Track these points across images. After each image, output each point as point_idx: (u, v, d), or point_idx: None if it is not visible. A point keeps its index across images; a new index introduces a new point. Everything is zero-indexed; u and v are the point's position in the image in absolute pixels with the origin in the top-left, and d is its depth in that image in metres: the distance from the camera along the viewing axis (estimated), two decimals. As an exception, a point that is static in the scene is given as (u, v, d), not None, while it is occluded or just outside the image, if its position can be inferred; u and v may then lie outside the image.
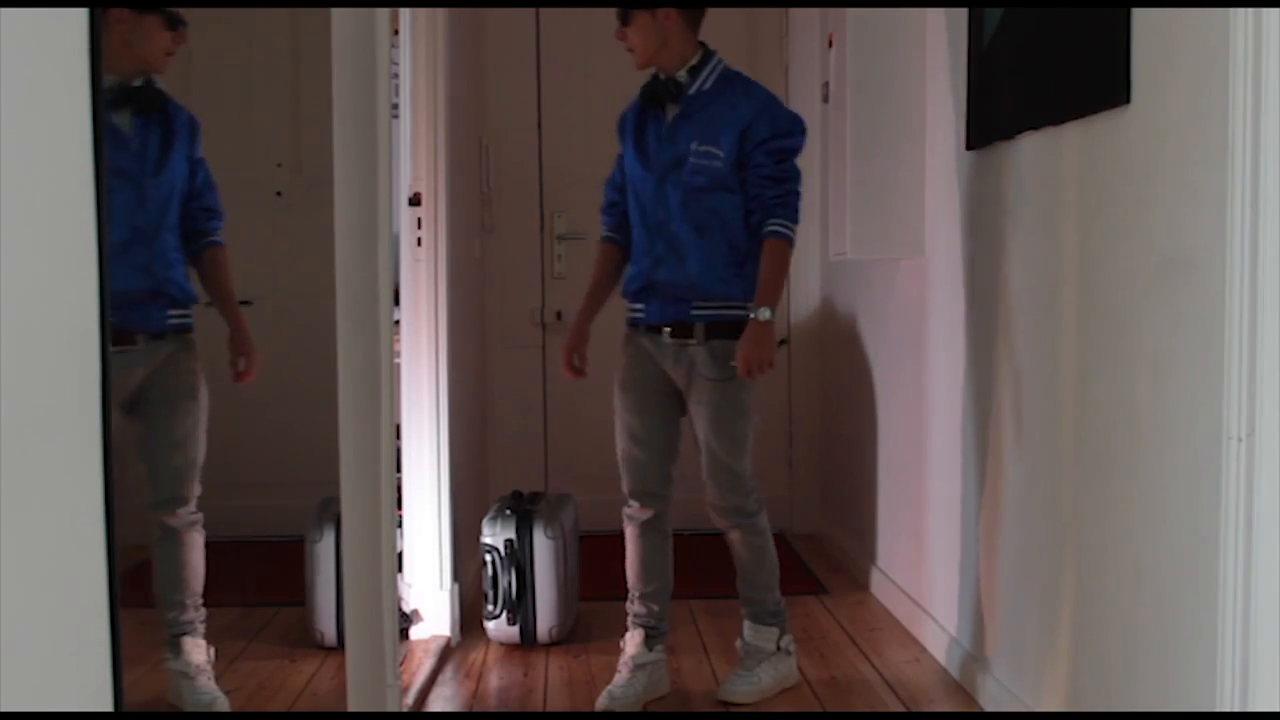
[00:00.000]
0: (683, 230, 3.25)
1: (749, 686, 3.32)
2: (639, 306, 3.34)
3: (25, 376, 1.00)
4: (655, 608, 3.41)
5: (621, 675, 3.34)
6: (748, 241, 3.24)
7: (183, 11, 3.12)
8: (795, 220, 3.25)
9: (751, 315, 3.17)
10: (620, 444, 3.44)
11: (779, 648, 3.38)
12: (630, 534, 3.43)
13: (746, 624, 3.41)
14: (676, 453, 3.40)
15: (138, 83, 2.95)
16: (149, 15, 2.88)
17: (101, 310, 1.11)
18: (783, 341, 3.33)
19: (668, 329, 3.29)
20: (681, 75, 3.28)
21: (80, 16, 1.09)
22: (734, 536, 3.36)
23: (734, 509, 3.32)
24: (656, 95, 3.30)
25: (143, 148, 2.98)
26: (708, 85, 3.27)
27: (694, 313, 3.25)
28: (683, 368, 3.29)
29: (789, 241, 3.23)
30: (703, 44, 3.32)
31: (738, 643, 3.43)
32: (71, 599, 1.10)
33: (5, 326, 0.97)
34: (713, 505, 3.34)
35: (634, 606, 3.43)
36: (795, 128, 3.28)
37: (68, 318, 1.09)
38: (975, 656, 3.32)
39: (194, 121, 3.11)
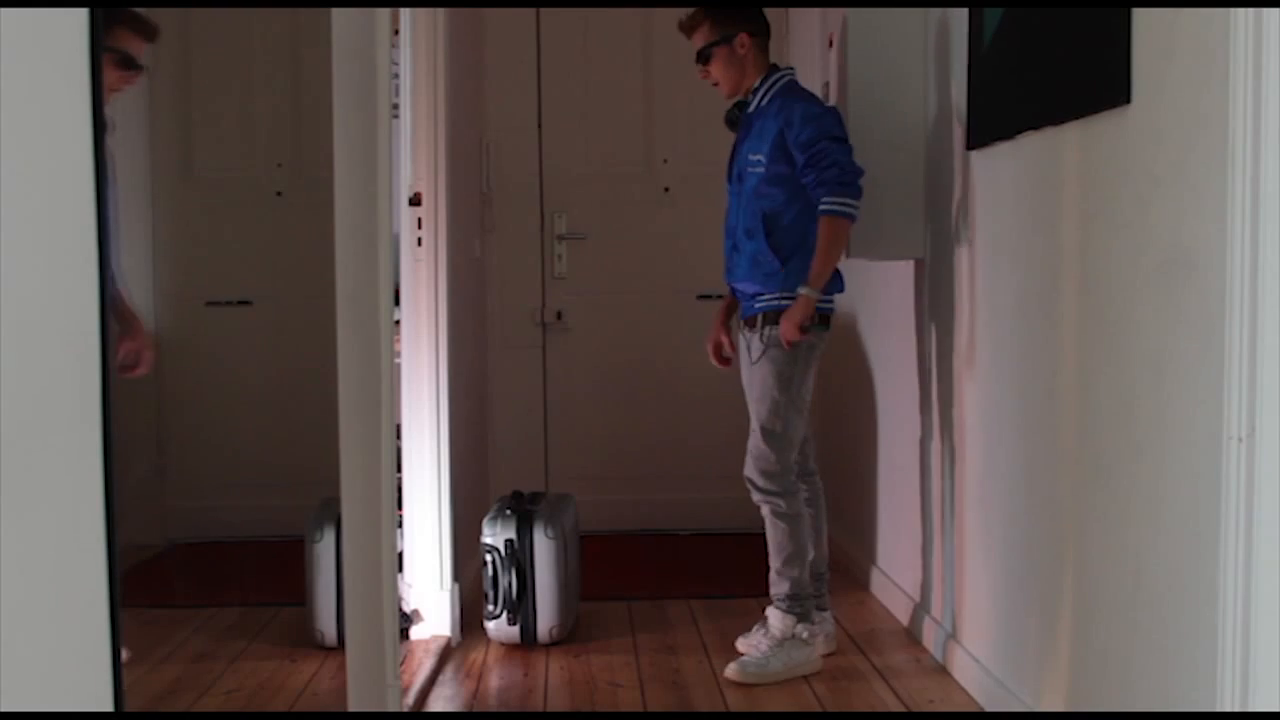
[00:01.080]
0: (740, 235, 3.55)
1: (754, 669, 3.44)
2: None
3: (25, 376, 1.00)
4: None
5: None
6: (788, 236, 3.47)
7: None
8: (839, 193, 3.40)
9: (799, 290, 3.42)
10: None
11: (794, 635, 3.48)
12: None
13: (769, 607, 3.55)
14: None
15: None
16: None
17: (102, 310, 1.11)
18: (822, 324, 3.52)
19: (746, 324, 3.58)
20: (749, 98, 3.58)
21: (80, 16, 1.09)
22: (761, 511, 3.56)
23: (752, 483, 3.55)
24: (731, 121, 3.65)
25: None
26: (765, 101, 3.54)
27: (756, 305, 3.53)
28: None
29: (836, 215, 3.40)
30: (774, 65, 3.61)
31: (757, 624, 3.58)
32: (71, 599, 1.10)
33: (5, 326, 0.97)
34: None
35: None
36: (822, 115, 3.48)
37: (68, 318, 1.09)
38: (975, 656, 3.32)
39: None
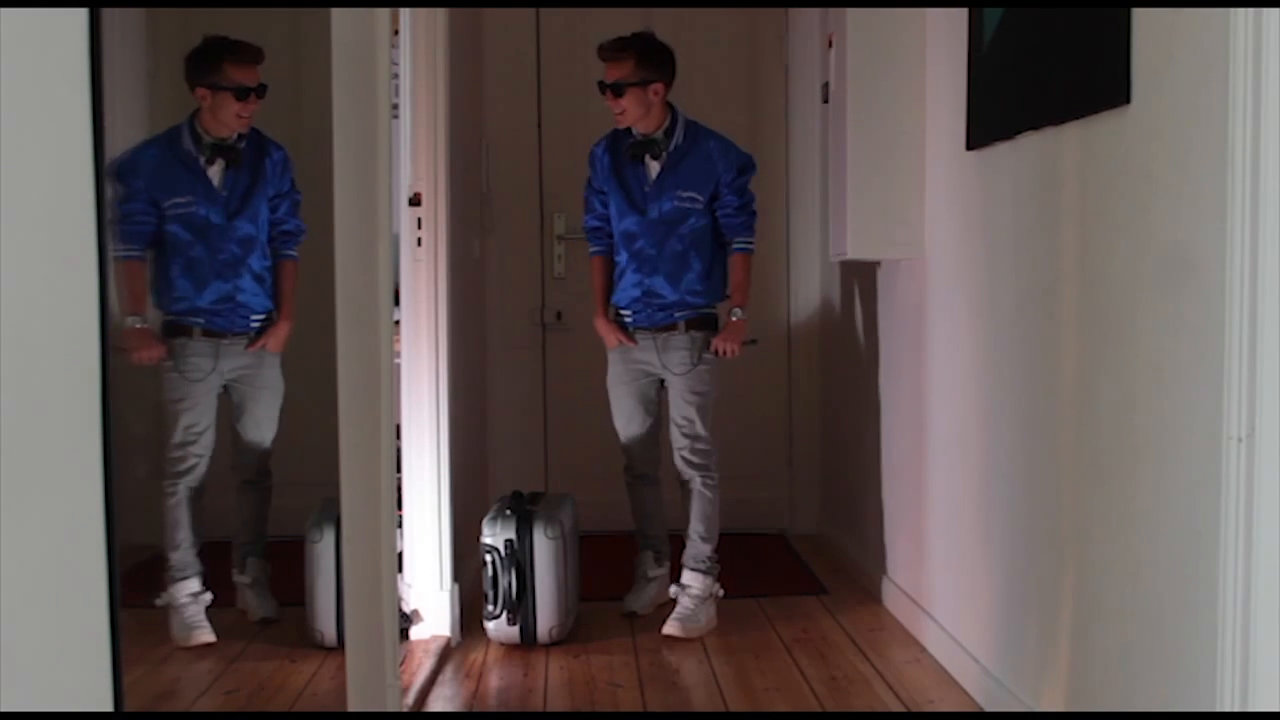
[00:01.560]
0: (667, 259, 3.93)
1: (696, 624, 3.89)
2: (629, 313, 4.01)
3: (25, 376, 1.00)
4: (662, 533, 4.18)
5: (639, 585, 4.16)
6: (714, 255, 3.97)
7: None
8: (754, 233, 3.99)
9: (732, 316, 3.95)
10: (619, 423, 4.18)
11: (712, 594, 3.96)
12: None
13: (689, 572, 3.95)
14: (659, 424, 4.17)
15: (231, 140, 3.64)
16: (221, 92, 3.59)
17: (102, 310, 1.11)
18: (753, 340, 4.09)
19: (655, 330, 3.98)
20: (658, 135, 3.91)
21: (80, 16, 1.09)
22: (697, 485, 4.02)
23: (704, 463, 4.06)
24: (639, 151, 3.93)
25: (229, 195, 3.65)
26: (681, 141, 3.92)
27: (676, 315, 3.97)
28: (662, 356, 4.01)
29: (752, 253, 3.99)
30: (670, 105, 3.93)
31: (673, 589, 3.98)
32: (71, 599, 1.10)
33: (5, 326, 0.97)
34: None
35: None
36: (749, 163, 3.97)
37: (68, 318, 1.09)
38: (975, 656, 3.32)
39: (285, 161, 3.75)
